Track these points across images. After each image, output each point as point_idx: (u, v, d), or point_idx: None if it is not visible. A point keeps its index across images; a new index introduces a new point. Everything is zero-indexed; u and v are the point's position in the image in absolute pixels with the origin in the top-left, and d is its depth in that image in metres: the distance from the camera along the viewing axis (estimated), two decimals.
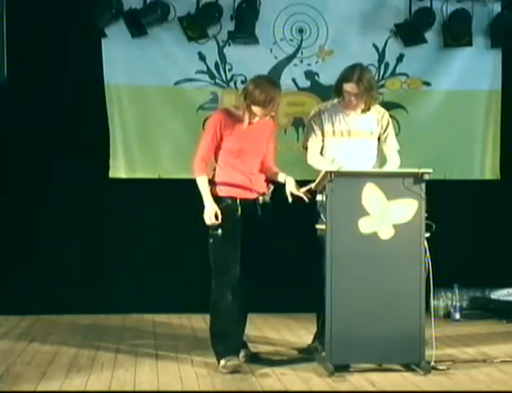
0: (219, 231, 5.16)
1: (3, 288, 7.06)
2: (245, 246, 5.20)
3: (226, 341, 5.16)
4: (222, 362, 5.07)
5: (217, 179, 5.27)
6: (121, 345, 5.93)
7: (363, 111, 5.58)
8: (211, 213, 5.15)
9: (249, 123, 5.24)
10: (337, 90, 5.56)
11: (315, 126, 5.61)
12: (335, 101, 5.64)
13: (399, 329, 5.06)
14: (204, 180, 5.23)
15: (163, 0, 7.12)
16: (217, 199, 5.21)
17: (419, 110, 7.51)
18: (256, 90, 5.14)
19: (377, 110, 5.66)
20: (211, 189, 5.23)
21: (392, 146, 5.69)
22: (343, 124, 5.58)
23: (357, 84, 5.42)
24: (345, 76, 5.48)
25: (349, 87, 5.45)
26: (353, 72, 5.46)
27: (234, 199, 5.22)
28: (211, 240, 5.21)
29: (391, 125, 5.71)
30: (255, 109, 5.18)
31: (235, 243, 5.19)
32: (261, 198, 5.30)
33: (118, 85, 7.23)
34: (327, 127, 5.58)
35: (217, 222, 5.14)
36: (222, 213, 5.17)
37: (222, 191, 5.23)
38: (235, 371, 5.03)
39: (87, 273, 7.21)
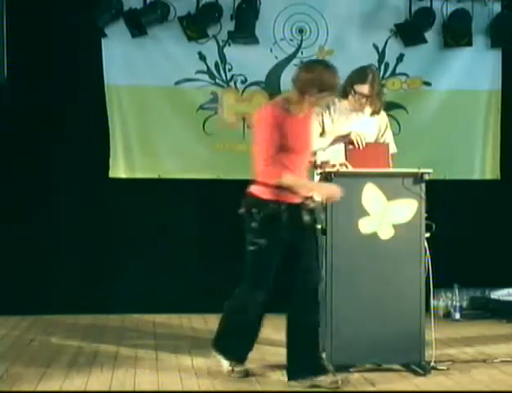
0: (263, 241, 4.74)
1: (3, 288, 7.05)
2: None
3: (244, 346, 5.01)
4: (235, 367, 4.98)
5: (261, 179, 4.76)
6: (121, 345, 5.93)
7: (373, 114, 5.58)
8: (335, 188, 4.77)
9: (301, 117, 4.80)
10: (345, 91, 5.53)
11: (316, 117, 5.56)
12: (336, 100, 5.63)
13: (399, 329, 5.06)
14: (290, 177, 4.71)
15: (163, 0, 7.12)
16: (260, 203, 4.75)
17: (419, 110, 7.51)
18: (326, 73, 4.67)
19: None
20: (253, 190, 4.78)
21: None
22: (343, 124, 5.57)
23: (372, 86, 5.41)
24: (358, 78, 5.44)
25: (363, 88, 5.42)
26: (367, 74, 5.43)
27: (279, 203, 4.74)
28: (252, 247, 4.78)
29: (389, 129, 5.72)
30: (323, 95, 4.71)
31: (277, 256, 4.81)
32: (306, 203, 4.85)
33: (118, 85, 7.23)
34: (327, 125, 5.56)
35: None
36: (266, 220, 4.73)
37: (266, 193, 4.74)
38: (246, 375, 4.97)
39: (87, 273, 7.20)
